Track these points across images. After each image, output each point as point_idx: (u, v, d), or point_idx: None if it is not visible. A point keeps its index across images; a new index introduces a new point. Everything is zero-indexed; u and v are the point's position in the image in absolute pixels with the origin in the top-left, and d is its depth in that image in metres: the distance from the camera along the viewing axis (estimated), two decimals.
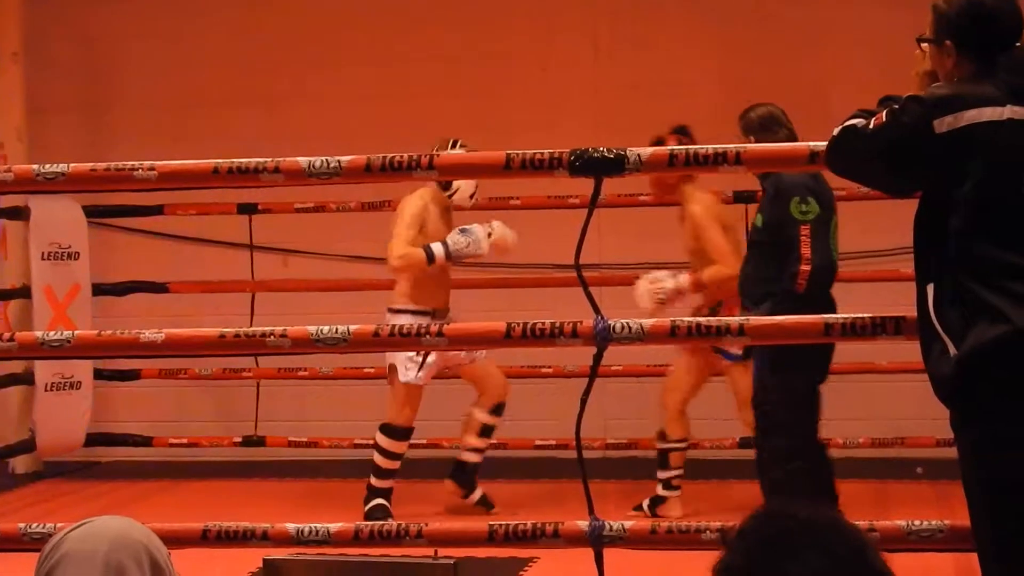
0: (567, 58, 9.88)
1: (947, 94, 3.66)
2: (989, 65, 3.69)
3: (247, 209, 9.15)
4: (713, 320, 4.31)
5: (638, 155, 4.33)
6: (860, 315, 4.21)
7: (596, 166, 4.36)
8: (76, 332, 4.73)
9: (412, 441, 7.90)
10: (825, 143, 4.04)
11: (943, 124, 3.59)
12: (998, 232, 3.59)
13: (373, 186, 8.42)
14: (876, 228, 9.06)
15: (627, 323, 4.31)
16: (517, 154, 4.42)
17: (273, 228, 9.57)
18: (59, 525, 3.33)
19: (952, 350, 3.57)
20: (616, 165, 4.34)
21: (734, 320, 4.32)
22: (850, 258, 9.27)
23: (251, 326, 7.64)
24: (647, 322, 4.32)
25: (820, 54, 9.48)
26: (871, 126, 3.72)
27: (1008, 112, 3.58)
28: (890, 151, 3.70)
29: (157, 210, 9.23)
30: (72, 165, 4.66)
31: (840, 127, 3.85)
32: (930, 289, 3.67)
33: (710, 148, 4.29)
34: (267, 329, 4.58)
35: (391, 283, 7.96)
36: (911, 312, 4.18)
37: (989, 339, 3.52)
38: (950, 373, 3.59)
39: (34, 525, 4.82)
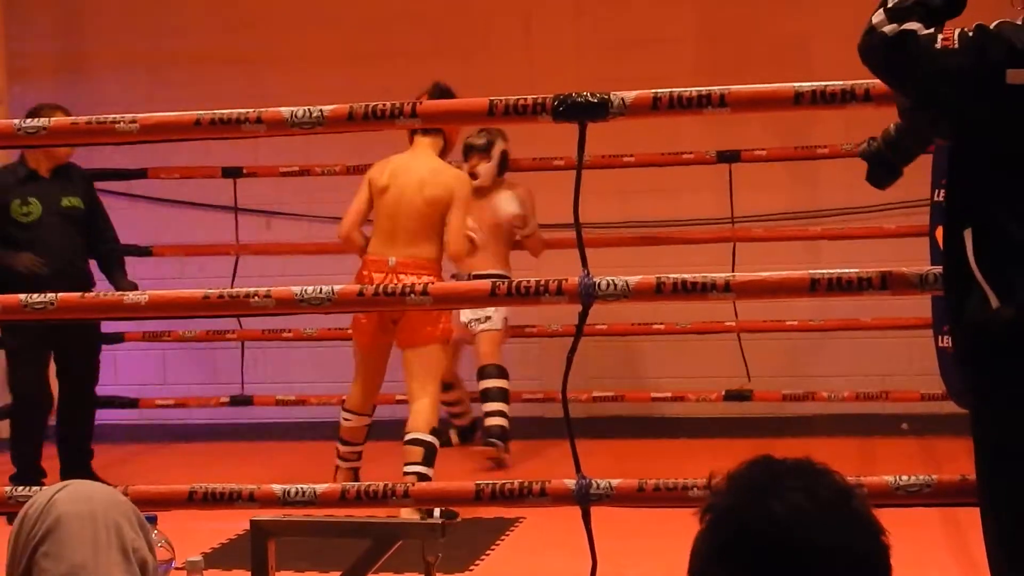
0: (549, 17, 9.84)
1: None
2: None
3: (232, 172, 9.12)
4: (699, 277, 4.29)
5: (622, 99, 4.33)
6: (845, 270, 4.21)
7: (580, 110, 4.35)
8: (59, 295, 4.71)
9: (400, 398, 7.94)
10: (805, 86, 4.06)
11: (1019, 76, 3.36)
12: None
13: (357, 149, 8.40)
14: (857, 185, 9.05)
15: (612, 280, 4.31)
16: (500, 100, 4.42)
17: (257, 191, 9.54)
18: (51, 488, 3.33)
19: (994, 301, 3.35)
20: (600, 109, 4.33)
21: (720, 276, 4.31)
22: (833, 215, 9.31)
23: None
24: (632, 279, 4.32)
25: (801, 8, 9.46)
26: (938, 45, 3.41)
27: None
28: (955, 82, 3.42)
29: (140, 173, 9.20)
30: (53, 119, 4.65)
31: (896, 27, 3.44)
32: (968, 235, 3.42)
33: (693, 90, 4.27)
34: (251, 290, 4.57)
35: None
36: (895, 268, 4.18)
37: None
38: (993, 326, 3.36)
39: (20, 488, 4.83)
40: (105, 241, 7.98)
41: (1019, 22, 3.47)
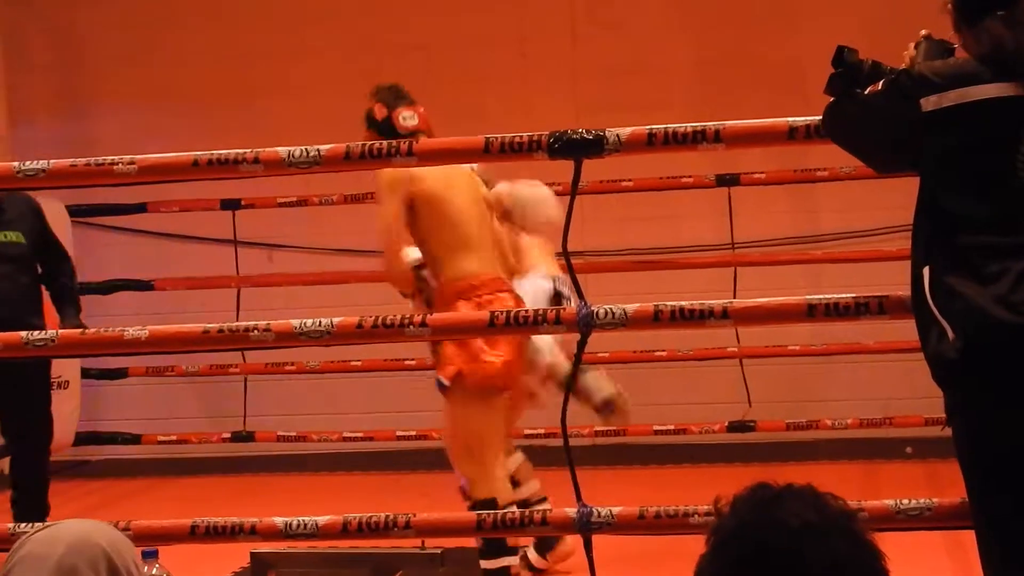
0: (545, 45, 9.86)
1: (935, 71, 3.59)
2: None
3: (230, 205, 9.14)
4: (697, 304, 4.29)
5: (617, 135, 4.33)
6: (843, 295, 4.20)
7: (576, 147, 4.35)
8: (60, 331, 4.72)
9: (401, 432, 7.91)
10: (799, 121, 4.09)
11: (928, 103, 3.55)
12: (991, 216, 3.51)
13: (355, 179, 8.42)
14: (857, 208, 9.09)
15: (610, 309, 4.30)
16: (496, 138, 4.41)
17: (257, 223, 9.55)
18: (39, 526, 3.32)
19: (950, 333, 3.49)
20: (596, 146, 4.33)
21: (717, 303, 4.31)
22: (833, 239, 9.32)
23: (237, 321, 7.65)
24: (630, 308, 4.31)
25: (796, 34, 9.46)
26: (866, 91, 3.74)
27: (993, 90, 3.51)
28: (883, 119, 3.73)
29: (140, 208, 9.22)
30: (53, 161, 4.65)
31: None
32: (925, 272, 3.58)
33: (688, 126, 4.28)
34: (251, 324, 4.57)
35: (376, 275, 7.92)
36: (894, 291, 4.18)
37: (989, 326, 3.44)
38: (954, 357, 3.50)
39: (22, 525, 4.82)
40: (58, 275, 7.35)
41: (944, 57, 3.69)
